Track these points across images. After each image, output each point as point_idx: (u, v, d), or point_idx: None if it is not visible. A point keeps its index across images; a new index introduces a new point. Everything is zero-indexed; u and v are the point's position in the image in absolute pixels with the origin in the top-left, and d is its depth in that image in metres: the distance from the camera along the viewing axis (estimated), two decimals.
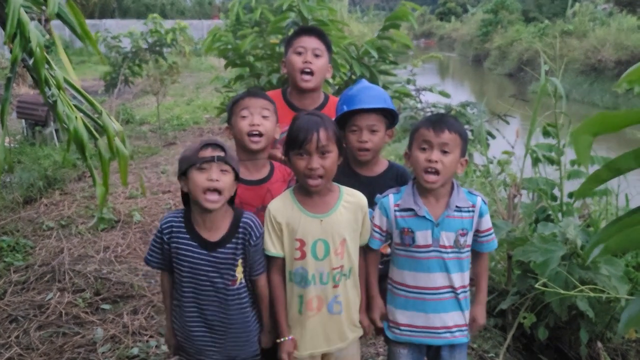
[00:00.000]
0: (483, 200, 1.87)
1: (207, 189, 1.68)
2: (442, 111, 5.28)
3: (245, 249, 1.77)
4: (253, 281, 1.83)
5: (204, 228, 1.76)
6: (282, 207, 1.80)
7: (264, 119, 1.93)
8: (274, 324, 1.87)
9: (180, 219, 1.80)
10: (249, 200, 1.93)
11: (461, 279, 1.85)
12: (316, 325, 1.83)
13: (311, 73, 2.18)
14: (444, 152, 1.76)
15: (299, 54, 2.19)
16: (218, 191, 1.69)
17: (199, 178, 1.69)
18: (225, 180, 1.70)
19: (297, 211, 1.78)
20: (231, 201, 1.82)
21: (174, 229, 1.78)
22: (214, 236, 1.76)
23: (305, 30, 2.32)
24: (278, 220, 1.78)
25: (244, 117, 1.92)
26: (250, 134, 1.91)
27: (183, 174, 1.74)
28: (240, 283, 1.79)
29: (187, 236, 1.77)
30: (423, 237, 1.81)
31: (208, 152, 1.70)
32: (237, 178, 1.77)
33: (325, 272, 1.79)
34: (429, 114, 4.83)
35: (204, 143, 1.74)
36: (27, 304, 3.29)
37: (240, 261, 1.77)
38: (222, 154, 1.71)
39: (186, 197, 1.81)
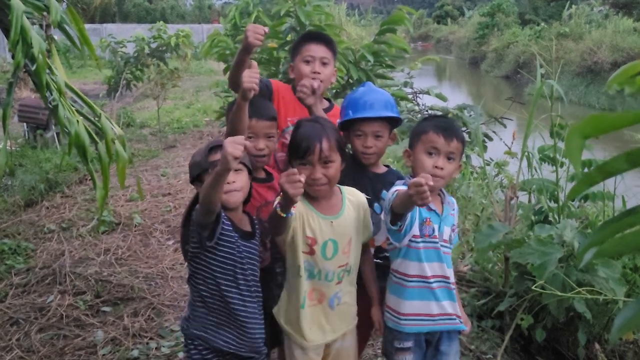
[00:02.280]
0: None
1: (226, 192, 1.72)
2: (439, 114, 5.30)
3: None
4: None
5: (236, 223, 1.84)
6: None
7: (268, 140, 2.00)
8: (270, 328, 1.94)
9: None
10: (257, 195, 2.01)
11: (450, 270, 1.93)
12: (317, 317, 1.86)
13: (319, 81, 2.19)
14: (449, 159, 1.84)
15: (307, 62, 2.22)
16: (237, 190, 1.76)
17: None
18: (241, 179, 1.77)
19: (309, 210, 1.81)
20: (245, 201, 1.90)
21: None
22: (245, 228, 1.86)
23: (314, 37, 2.33)
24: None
25: (249, 138, 1.96)
26: (256, 156, 1.99)
27: (196, 179, 1.78)
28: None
29: (229, 224, 1.78)
30: (435, 229, 1.89)
31: (218, 156, 1.70)
32: (251, 172, 1.84)
33: (331, 271, 1.82)
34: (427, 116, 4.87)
35: (211, 146, 1.77)
36: (28, 306, 3.30)
37: None
38: None
39: (195, 200, 1.83)
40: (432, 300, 1.89)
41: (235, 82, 1.98)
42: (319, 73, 2.20)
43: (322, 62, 2.22)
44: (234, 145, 1.53)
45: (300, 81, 2.22)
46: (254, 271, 1.85)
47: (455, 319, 1.93)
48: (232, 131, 1.92)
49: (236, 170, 1.75)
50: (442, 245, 1.89)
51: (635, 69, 0.63)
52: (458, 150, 1.86)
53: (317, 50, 2.23)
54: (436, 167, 1.82)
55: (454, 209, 1.96)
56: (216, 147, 1.76)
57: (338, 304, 1.88)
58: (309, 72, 2.20)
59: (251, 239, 1.85)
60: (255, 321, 1.86)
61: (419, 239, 1.87)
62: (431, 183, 1.55)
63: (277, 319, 1.93)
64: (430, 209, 1.87)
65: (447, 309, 1.91)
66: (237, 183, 1.76)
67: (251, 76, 1.86)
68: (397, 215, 1.77)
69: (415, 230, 1.87)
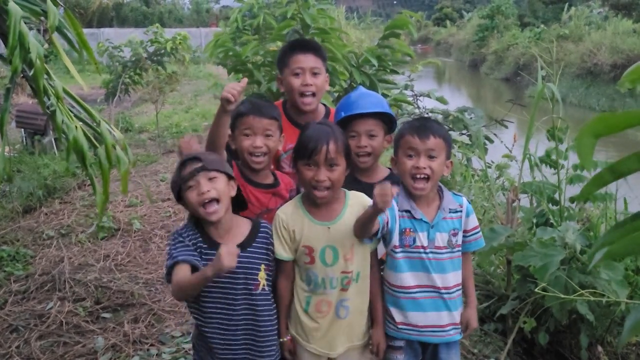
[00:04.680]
0: (468, 201, 1.94)
1: (203, 203, 1.69)
2: (440, 116, 5.30)
3: (269, 255, 1.81)
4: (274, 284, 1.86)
5: (219, 237, 1.77)
6: (291, 213, 1.83)
7: (267, 138, 1.92)
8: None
9: (193, 230, 1.78)
10: (255, 201, 1.96)
11: (455, 277, 1.89)
12: (323, 328, 1.84)
13: (312, 94, 2.13)
14: (431, 157, 1.81)
15: (297, 74, 2.11)
16: (215, 200, 1.70)
17: (192, 196, 1.70)
18: (217, 187, 1.71)
19: (304, 218, 1.81)
20: (242, 205, 1.85)
21: (191, 235, 1.76)
22: (233, 242, 1.77)
23: (300, 46, 2.19)
24: (286, 226, 1.81)
25: (246, 135, 1.91)
26: (252, 154, 1.92)
27: (180, 199, 1.76)
28: (263, 289, 1.80)
29: (206, 245, 1.75)
30: (420, 238, 1.85)
31: (188, 169, 1.71)
32: (231, 177, 1.78)
33: (335, 277, 1.81)
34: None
35: (181, 163, 1.75)
36: (28, 313, 3.29)
37: (263, 266, 1.80)
38: (200, 164, 1.70)
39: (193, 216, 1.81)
40: (418, 312, 1.87)
41: (212, 141, 1.89)
42: (310, 85, 2.11)
43: (312, 72, 2.12)
44: (230, 259, 1.55)
45: (293, 96, 2.13)
46: (248, 284, 1.78)
47: (447, 330, 1.89)
48: (210, 143, 1.89)
49: (210, 178, 1.70)
50: (432, 253, 1.84)
51: None
52: (439, 147, 1.81)
53: (306, 60, 2.11)
54: (417, 167, 1.79)
55: (457, 212, 1.89)
56: (186, 161, 1.73)
57: (346, 315, 1.85)
58: (299, 85, 2.10)
59: (241, 250, 1.75)
60: (265, 338, 1.82)
61: (398, 249, 1.85)
62: (394, 193, 1.60)
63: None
64: (413, 217, 1.84)
65: (437, 321, 1.87)
66: (213, 191, 1.69)
67: (233, 87, 1.79)
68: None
69: (395, 240, 1.85)
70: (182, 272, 1.65)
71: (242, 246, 1.77)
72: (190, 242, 1.75)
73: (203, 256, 1.74)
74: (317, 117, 2.23)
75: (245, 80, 1.89)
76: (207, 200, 1.69)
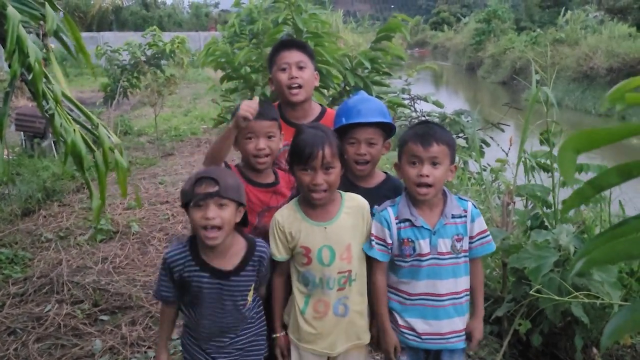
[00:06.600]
0: (473, 205, 1.92)
1: (205, 226, 1.67)
2: (437, 119, 5.32)
3: (259, 275, 1.84)
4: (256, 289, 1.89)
5: (213, 257, 1.76)
6: (287, 215, 1.86)
7: (269, 140, 1.96)
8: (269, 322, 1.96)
9: (186, 251, 1.77)
10: (256, 200, 1.99)
11: (458, 283, 1.87)
12: (323, 328, 1.86)
13: (299, 86, 2.18)
14: (434, 165, 1.80)
15: (283, 70, 2.19)
16: (218, 227, 1.68)
17: (197, 216, 1.66)
18: (223, 216, 1.67)
19: (301, 220, 1.84)
20: (243, 223, 1.84)
21: (180, 262, 1.76)
22: (227, 265, 1.77)
23: (285, 44, 2.29)
24: (282, 228, 1.84)
25: (249, 139, 1.95)
26: (257, 156, 1.96)
27: (186, 208, 1.73)
28: (250, 303, 1.85)
29: (197, 268, 1.75)
30: (421, 246, 1.84)
31: (202, 188, 1.66)
32: (241, 204, 1.76)
33: (332, 278, 1.83)
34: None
35: (198, 177, 1.70)
36: (26, 316, 3.29)
37: (253, 285, 1.83)
38: (215, 188, 1.65)
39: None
40: (418, 318, 1.87)
41: (216, 153, 1.95)
42: (296, 77, 2.17)
43: (298, 66, 2.19)
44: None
45: (282, 90, 2.20)
46: (237, 304, 1.81)
47: (447, 338, 1.88)
48: (213, 155, 1.94)
49: (220, 204, 1.67)
50: (435, 259, 1.83)
51: (629, 86, 0.64)
52: (443, 154, 1.79)
53: (291, 56, 2.20)
54: (420, 175, 1.79)
55: (461, 217, 1.87)
56: (203, 178, 1.69)
57: (345, 313, 1.86)
58: (286, 79, 2.18)
59: (231, 276, 1.77)
60: (248, 337, 1.87)
61: (398, 259, 1.86)
62: None
63: (286, 322, 1.96)
64: (413, 225, 1.83)
65: (437, 328, 1.87)
66: (218, 219, 1.66)
67: (250, 105, 1.87)
68: None
69: (395, 250, 1.86)
70: (167, 313, 1.88)
71: (235, 271, 1.78)
72: (176, 270, 1.76)
73: (193, 277, 1.75)
74: (310, 114, 2.27)
75: (257, 99, 1.96)
76: (209, 227, 1.67)
